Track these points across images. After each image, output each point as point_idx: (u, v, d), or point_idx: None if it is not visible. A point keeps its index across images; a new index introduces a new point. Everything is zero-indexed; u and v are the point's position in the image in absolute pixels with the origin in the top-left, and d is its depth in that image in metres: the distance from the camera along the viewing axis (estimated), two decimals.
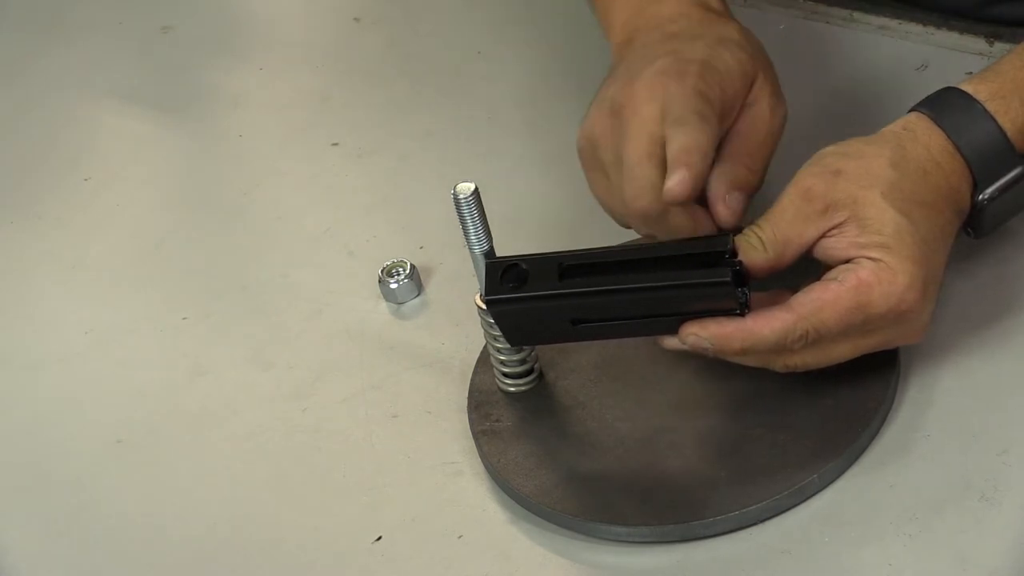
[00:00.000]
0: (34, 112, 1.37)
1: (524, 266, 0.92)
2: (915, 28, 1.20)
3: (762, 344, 0.89)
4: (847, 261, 0.90)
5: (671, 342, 0.92)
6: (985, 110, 0.93)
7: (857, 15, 1.23)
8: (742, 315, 0.90)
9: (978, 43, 1.17)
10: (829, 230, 0.91)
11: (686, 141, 0.91)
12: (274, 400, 1.07)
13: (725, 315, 0.90)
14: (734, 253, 0.90)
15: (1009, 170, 0.94)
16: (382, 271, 1.11)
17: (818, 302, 0.89)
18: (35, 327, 1.17)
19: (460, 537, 0.96)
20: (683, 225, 0.93)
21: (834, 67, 1.19)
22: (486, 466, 0.98)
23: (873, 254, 0.89)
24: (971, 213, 0.95)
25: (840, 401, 0.95)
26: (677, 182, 0.90)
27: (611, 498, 0.94)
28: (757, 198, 0.97)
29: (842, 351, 0.91)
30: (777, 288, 0.92)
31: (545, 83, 1.25)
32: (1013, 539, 0.88)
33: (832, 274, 0.90)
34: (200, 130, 1.32)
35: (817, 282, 0.90)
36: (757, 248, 0.90)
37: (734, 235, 0.91)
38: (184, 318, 1.14)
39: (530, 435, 0.99)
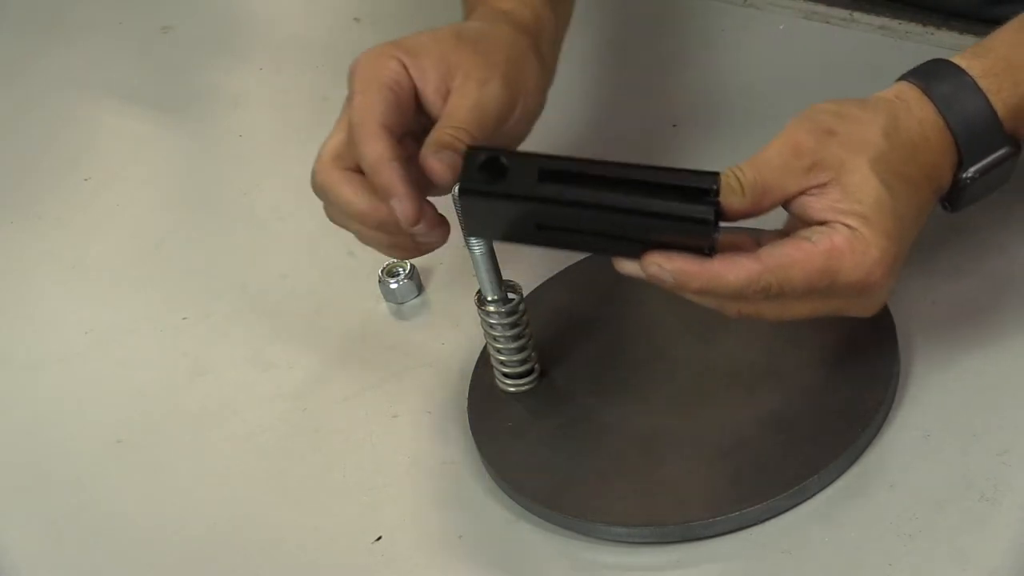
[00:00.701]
0: (34, 112, 1.37)
1: (504, 161, 0.89)
2: (915, 28, 1.20)
3: (723, 289, 0.88)
4: (822, 223, 0.89)
5: (629, 267, 0.90)
6: (976, 86, 0.92)
7: (857, 15, 1.23)
8: (709, 256, 0.88)
9: None
10: (810, 188, 0.89)
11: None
12: (274, 400, 1.07)
13: (692, 251, 0.88)
14: (718, 193, 0.87)
15: (995, 150, 0.93)
16: (382, 271, 1.11)
17: (788, 259, 0.87)
18: (35, 327, 1.17)
19: (460, 537, 0.96)
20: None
21: (834, 67, 1.19)
22: (486, 466, 0.98)
23: (850, 222, 0.88)
24: (951, 189, 0.94)
25: (840, 401, 0.95)
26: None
27: (611, 498, 0.94)
28: (744, 145, 0.95)
29: (799, 310, 0.90)
30: (741, 231, 0.91)
31: None
32: (1013, 539, 0.88)
33: (806, 233, 0.89)
34: (200, 130, 1.32)
35: (789, 238, 0.89)
36: (736, 191, 0.88)
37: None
38: (184, 318, 1.14)
39: (530, 435, 0.99)
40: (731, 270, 0.87)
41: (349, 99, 0.97)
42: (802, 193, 0.89)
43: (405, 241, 0.96)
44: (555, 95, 1.23)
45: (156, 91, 1.37)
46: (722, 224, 0.88)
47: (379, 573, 0.95)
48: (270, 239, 1.20)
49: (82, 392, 1.11)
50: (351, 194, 0.95)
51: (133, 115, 1.35)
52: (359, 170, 0.95)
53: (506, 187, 0.88)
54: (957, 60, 0.93)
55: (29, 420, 1.11)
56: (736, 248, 0.89)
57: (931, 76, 0.93)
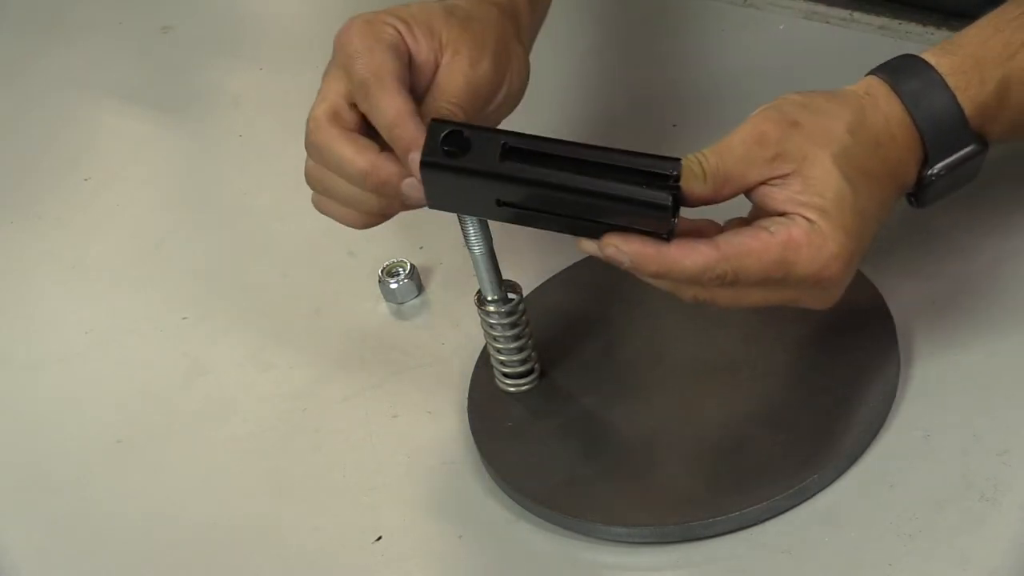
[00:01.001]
0: (34, 112, 1.37)
1: (467, 135, 0.89)
2: (915, 28, 1.20)
3: (679, 273, 0.88)
4: (782, 214, 0.89)
5: (589, 246, 0.90)
6: (944, 83, 0.92)
7: (857, 15, 1.23)
8: (667, 240, 0.87)
9: None
10: (772, 178, 0.89)
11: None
12: (274, 400, 1.07)
13: (651, 235, 0.88)
14: (678, 179, 0.87)
15: (961, 148, 0.93)
16: (382, 271, 1.11)
17: (744, 248, 0.87)
18: (35, 327, 1.17)
19: (460, 537, 0.96)
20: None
21: (834, 67, 1.19)
22: (486, 466, 0.98)
23: (810, 215, 0.88)
24: (916, 186, 0.93)
25: (840, 401, 0.95)
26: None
27: (611, 498, 0.94)
28: (708, 135, 0.95)
29: (753, 299, 0.90)
30: (704, 218, 0.91)
31: (542, 81, 1.25)
32: (1013, 539, 0.88)
33: (765, 223, 0.88)
34: (200, 130, 1.32)
35: (748, 227, 0.89)
36: (698, 177, 0.88)
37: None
38: (184, 318, 1.14)
39: (530, 435, 0.99)
40: (687, 256, 0.87)
41: (347, 62, 0.96)
42: (764, 183, 0.89)
43: (395, 205, 0.96)
44: (554, 94, 1.24)
45: (156, 91, 1.37)
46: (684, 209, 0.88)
47: (379, 573, 0.95)
48: (270, 239, 1.20)
49: (82, 392, 1.11)
50: (353, 153, 0.94)
51: (133, 115, 1.35)
52: (357, 131, 0.95)
53: (467, 162, 0.88)
54: (926, 56, 0.93)
55: (29, 420, 1.11)
56: (697, 234, 0.89)
57: (900, 72, 0.93)
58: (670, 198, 0.86)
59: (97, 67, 1.40)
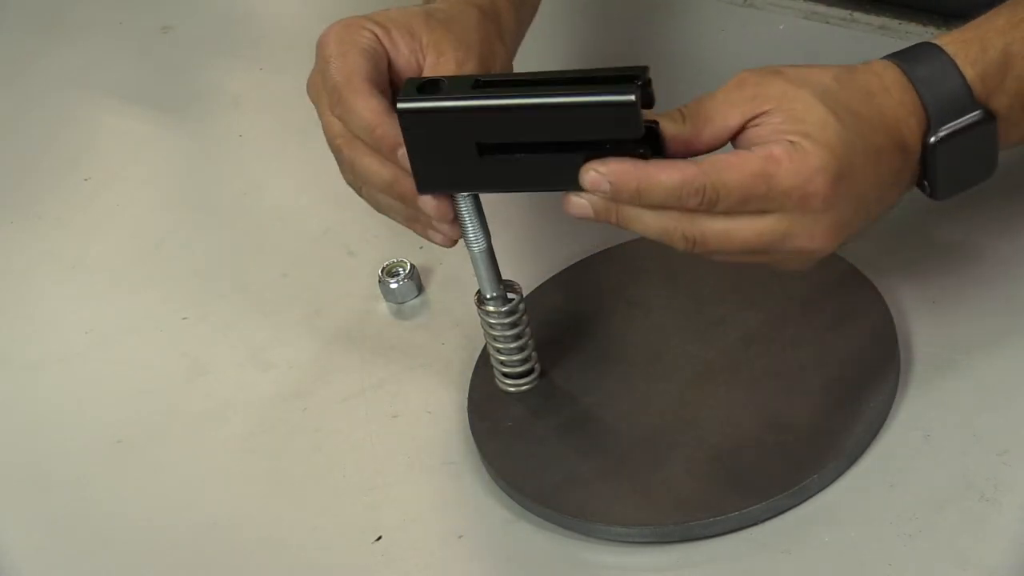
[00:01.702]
0: (34, 112, 1.37)
1: (439, 82, 0.90)
2: (915, 28, 1.20)
3: (658, 189, 0.87)
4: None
5: (577, 202, 0.89)
6: (945, 54, 0.91)
7: (857, 15, 1.23)
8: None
9: None
10: (754, 118, 0.88)
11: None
12: (274, 400, 1.07)
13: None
14: (647, 82, 0.86)
15: (965, 114, 0.91)
16: (382, 271, 1.11)
17: (723, 161, 0.87)
18: (35, 327, 1.17)
19: (460, 537, 0.96)
20: None
21: None
22: (486, 466, 0.98)
23: (791, 138, 0.87)
24: (924, 160, 0.92)
25: (840, 401, 0.95)
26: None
27: (611, 498, 0.94)
28: None
29: (743, 232, 0.88)
30: None
31: None
32: (1013, 539, 0.88)
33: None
34: (200, 130, 1.32)
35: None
36: (676, 119, 0.88)
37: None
38: (184, 318, 1.14)
39: (530, 435, 0.99)
40: (664, 170, 0.87)
41: (323, 66, 0.95)
42: (747, 126, 0.88)
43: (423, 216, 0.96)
44: None
45: (156, 91, 1.37)
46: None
47: (379, 573, 0.95)
48: (270, 239, 1.20)
49: (82, 392, 1.11)
50: (378, 164, 0.94)
51: (133, 115, 1.35)
52: None
53: (442, 98, 0.89)
54: (930, 39, 0.93)
55: (29, 420, 1.11)
56: None
57: (902, 52, 0.93)
58: (635, 93, 0.85)
59: (97, 67, 1.40)
